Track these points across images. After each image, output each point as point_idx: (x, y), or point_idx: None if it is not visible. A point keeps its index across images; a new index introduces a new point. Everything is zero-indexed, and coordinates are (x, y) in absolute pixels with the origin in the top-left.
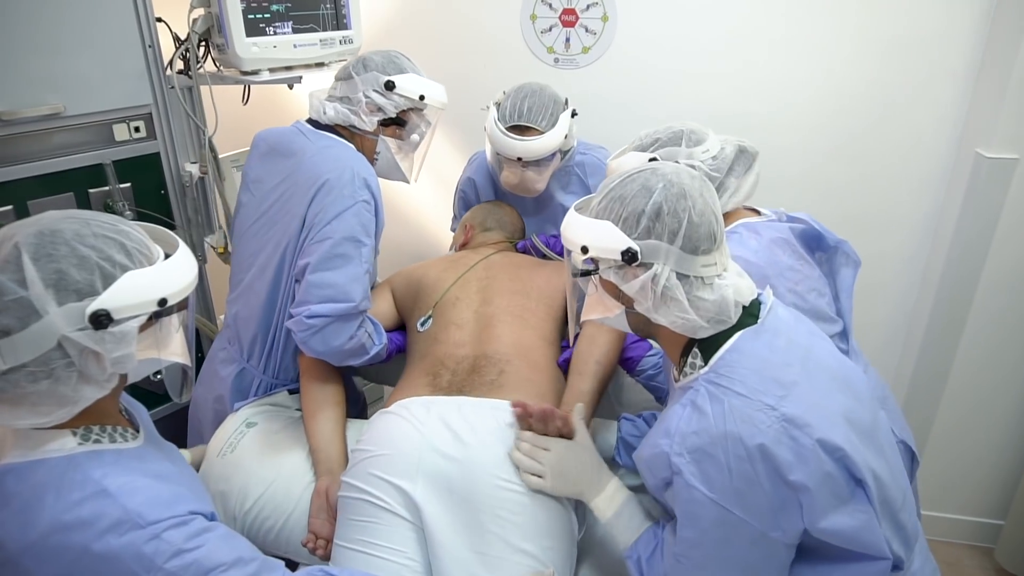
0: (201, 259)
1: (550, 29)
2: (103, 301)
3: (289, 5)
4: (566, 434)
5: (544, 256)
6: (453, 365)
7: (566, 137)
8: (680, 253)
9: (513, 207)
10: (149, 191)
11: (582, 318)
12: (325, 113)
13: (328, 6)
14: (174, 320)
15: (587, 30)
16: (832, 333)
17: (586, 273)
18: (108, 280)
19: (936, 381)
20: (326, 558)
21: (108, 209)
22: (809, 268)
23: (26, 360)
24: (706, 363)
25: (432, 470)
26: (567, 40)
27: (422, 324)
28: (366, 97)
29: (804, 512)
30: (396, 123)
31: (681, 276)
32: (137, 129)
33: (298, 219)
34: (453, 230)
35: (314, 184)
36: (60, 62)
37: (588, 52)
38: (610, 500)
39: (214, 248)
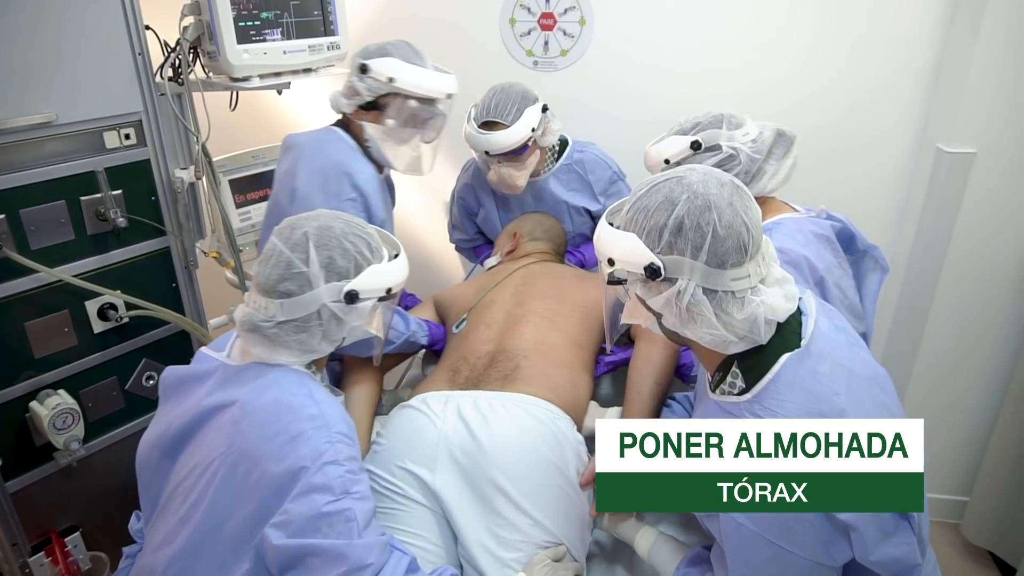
0: (193, 264)
1: (529, 32)
2: (354, 284)
3: (278, 12)
4: None
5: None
6: (473, 360)
7: (534, 130)
8: (706, 268)
9: (557, 220)
10: (140, 197)
11: (623, 320)
12: (331, 100)
13: (316, 13)
14: (387, 303)
15: (565, 33)
16: (859, 332)
17: (617, 282)
18: (359, 269)
19: (903, 367)
20: None
21: (100, 216)
22: (846, 266)
23: (295, 317)
24: (747, 385)
25: (448, 461)
26: (546, 43)
27: (457, 326)
28: (348, 81)
29: (854, 546)
30: (376, 108)
31: (708, 291)
32: (127, 136)
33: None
34: (453, 241)
35: (288, 188)
36: (51, 71)
37: (566, 55)
38: (642, 537)
39: (205, 253)
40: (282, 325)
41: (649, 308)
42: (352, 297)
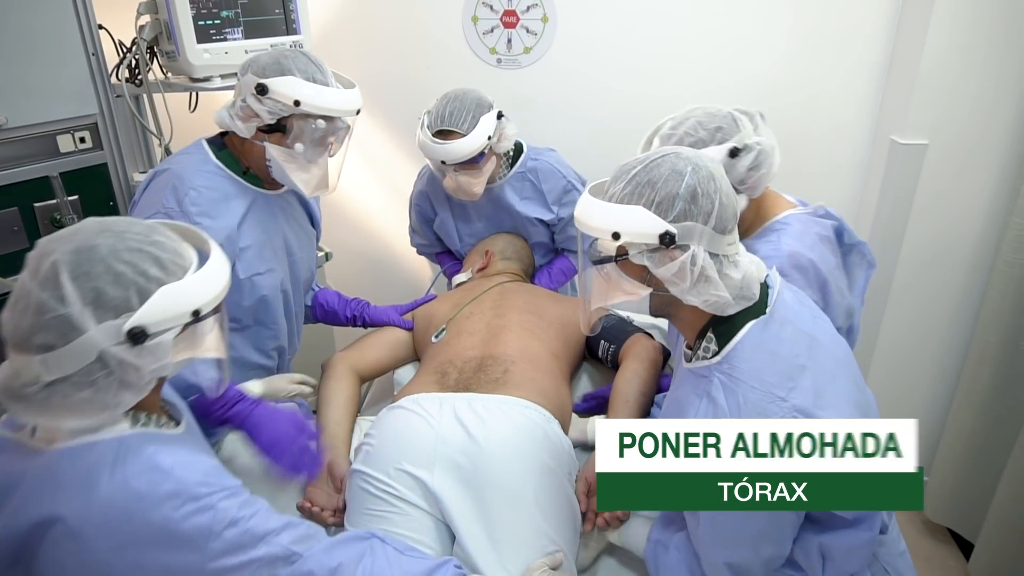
0: None
1: (492, 30)
2: (139, 317)
3: (239, 11)
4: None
5: None
6: (461, 364)
7: (490, 138)
8: (712, 233)
9: (527, 242)
10: (98, 203)
11: (606, 303)
12: (218, 118)
13: (277, 12)
14: (208, 322)
15: (528, 31)
16: (845, 327)
17: (609, 260)
18: (144, 296)
19: (864, 351)
20: (323, 525)
21: (55, 223)
22: (842, 267)
23: (69, 372)
24: (719, 348)
25: (447, 462)
26: (509, 41)
27: (436, 336)
28: (242, 102)
29: None
30: (279, 130)
31: (712, 255)
32: (82, 140)
33: None
34: (414, 245)
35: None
36: (0, 73)
37: (530, 52)
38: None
39: None
40: (54, 387)
41: (645, 279)
42: (139, 336)
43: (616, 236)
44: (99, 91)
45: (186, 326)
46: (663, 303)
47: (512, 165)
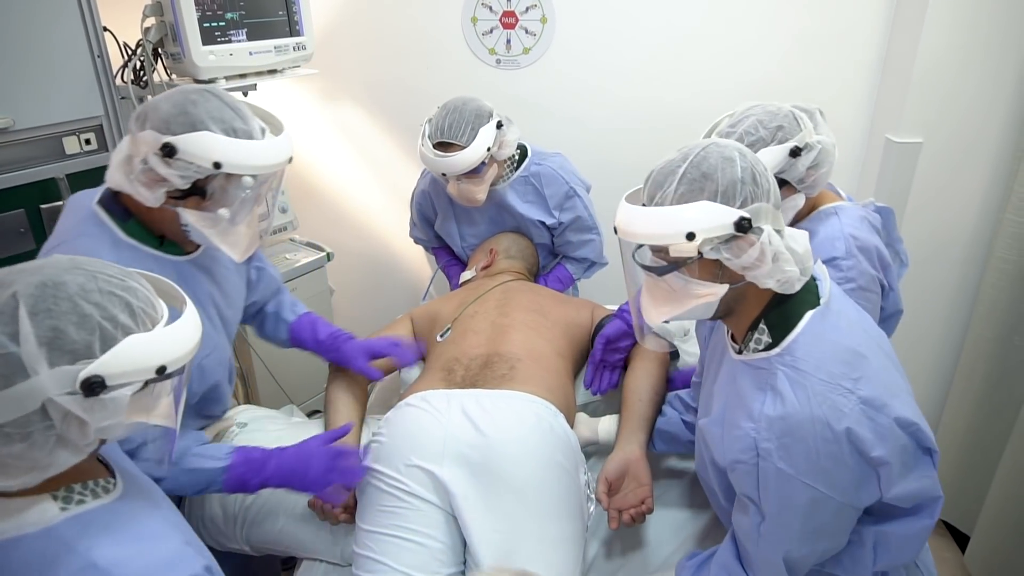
0: None
1: (491, 31)
2: (99, 366)
3: (243, 13)
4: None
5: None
6: (467, 361)
7: (489, 149)
8: (774, 210)
9: (531, 241)
10: None
11: (678, 314)
12: (113, 181)
13: (280, 13)
14: (167, 384)
15: (527, 31)
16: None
17: (687, 261)
18: (108, 343)
19: None
20: (334, 522)
21: None
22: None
23: (2, 421)
24: (774, 340)
25: (456, 457)
26: (508, 41)
27: (441, 335)
28: (143, 163)
29: (881, 483)
30: (196, 192)
31: (777, 231)
32: (88, 141)
33: None
34: (412, 236)
35: None
36: (7, 75)
37: (529, 53)
38: None
39: None
40: None
41: (718, 276)
42: (94, 386)
43: (691, 236)
44: (104, 93)
45: (147, 383)
46: (732, 299)
47: (516, 168)
